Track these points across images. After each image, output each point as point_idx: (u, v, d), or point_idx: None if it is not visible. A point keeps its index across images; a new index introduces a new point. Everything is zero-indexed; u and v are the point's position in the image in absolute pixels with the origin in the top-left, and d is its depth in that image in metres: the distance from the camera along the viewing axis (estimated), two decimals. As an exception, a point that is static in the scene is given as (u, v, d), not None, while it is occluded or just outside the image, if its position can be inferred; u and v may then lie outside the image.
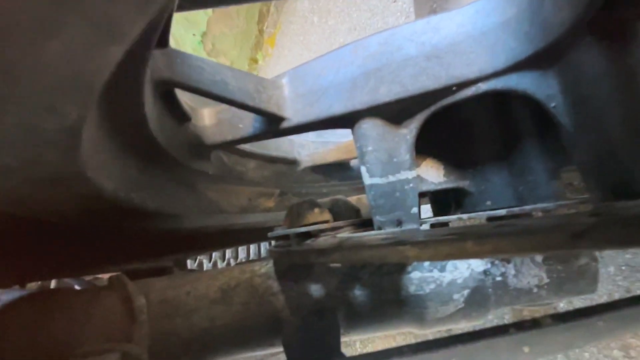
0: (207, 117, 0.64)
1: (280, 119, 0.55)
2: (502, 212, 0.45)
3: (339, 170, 1.12)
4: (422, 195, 0.55)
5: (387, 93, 0.49)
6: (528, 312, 0.59)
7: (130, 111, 0.39)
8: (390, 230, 0.48)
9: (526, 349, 0.22)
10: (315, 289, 0.50)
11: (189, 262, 1.68)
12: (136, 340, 0.46)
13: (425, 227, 0.52)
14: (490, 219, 0.48)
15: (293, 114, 0.55)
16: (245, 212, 0.89)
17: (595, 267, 0.52)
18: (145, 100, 0.39)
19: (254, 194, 0.94)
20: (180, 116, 0.57)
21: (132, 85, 0.35)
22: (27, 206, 0.40)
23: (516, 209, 0.44)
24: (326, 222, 0.59)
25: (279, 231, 0.57)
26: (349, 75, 0.51)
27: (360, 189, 1.15)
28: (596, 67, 0.33)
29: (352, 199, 0.73)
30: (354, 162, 1.15)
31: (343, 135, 1.15)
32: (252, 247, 1.85)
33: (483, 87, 0.44)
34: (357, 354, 0.40)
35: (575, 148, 0.37)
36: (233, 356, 0.52)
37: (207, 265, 1.76)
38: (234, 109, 0.61)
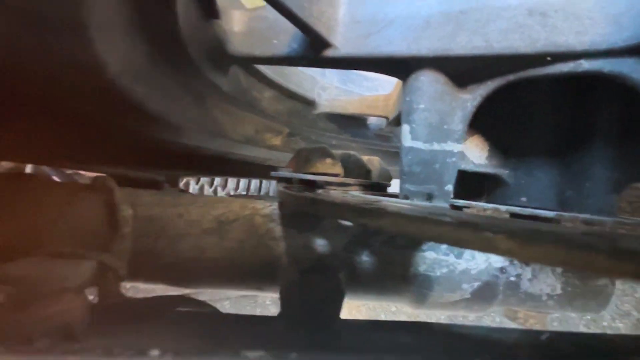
0: (237, 21, 0.53)
1: (326, 45, 0.46)
2: (551, 214, 0.39)
3: (355, 126, 1.04)
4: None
5: (464, 44, 0.40)
6: (522, 313, 0.57)
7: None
8: (421, 203, 0.43)
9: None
10: (321, 244, 0.46)
11: (192, 183, 1.62)
12: (115, 252, 0.41)
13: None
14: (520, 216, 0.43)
15: (342, 43, 0.46)
16: (249, 143, 0.82)
17: (612, 290, 0.49)
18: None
19: (261, 127, 0.86)
20: (209, 9, 0.46)
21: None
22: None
23: (567, 214, 0.39)
24: (336, 175, 0.53)
25: (284, 172, 0.51)
26: (424, 11, 0.42)
27: (372, 150, 1.08)
28: None
29: (363, 159, 0.67)
30: (371, 121, 1.07)
31: (370, 89, 1.06)
32: (254, 181, 1.80)
33: (586, 65, 0.36)
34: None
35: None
36: (215, 289, 0.48)
37: (207, 190, 1.70)
38: (270, 19, 0.51)
